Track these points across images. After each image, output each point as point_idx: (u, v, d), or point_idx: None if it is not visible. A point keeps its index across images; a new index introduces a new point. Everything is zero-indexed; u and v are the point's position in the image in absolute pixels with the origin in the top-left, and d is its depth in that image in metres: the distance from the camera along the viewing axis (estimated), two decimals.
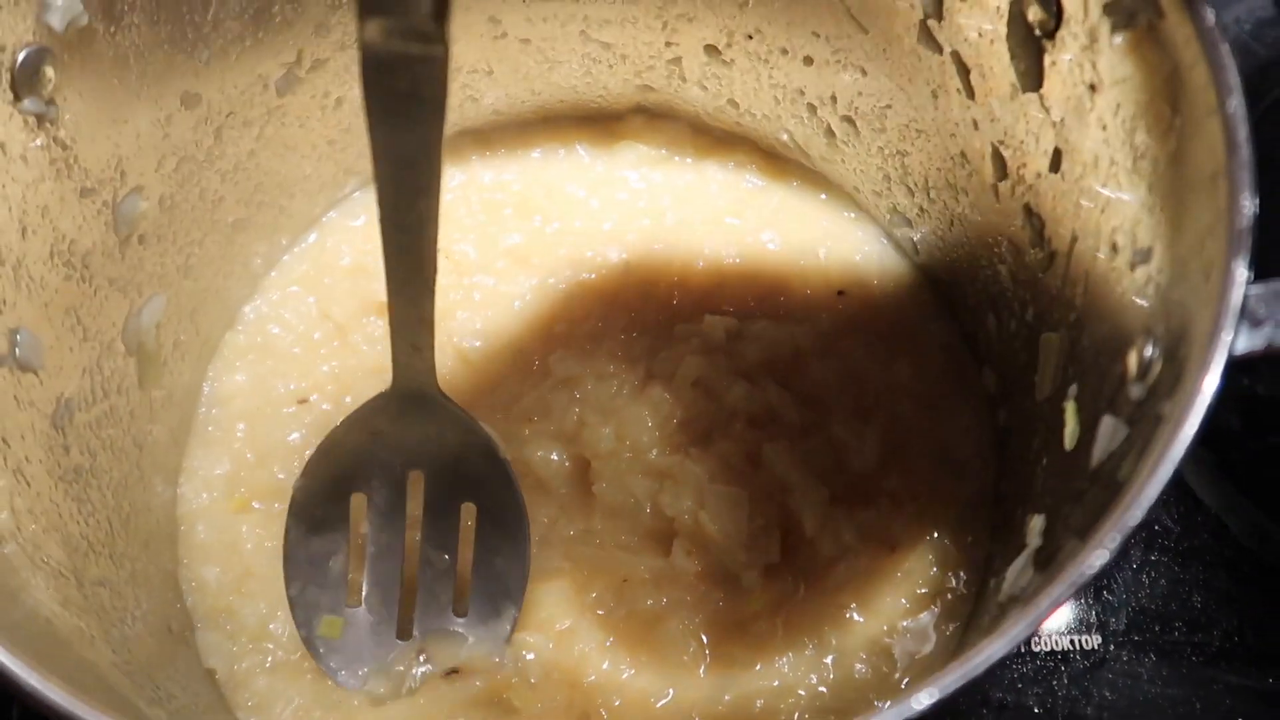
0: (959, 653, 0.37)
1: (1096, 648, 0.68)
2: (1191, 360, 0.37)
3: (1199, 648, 0.68)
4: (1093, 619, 0.69)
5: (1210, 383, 0.35)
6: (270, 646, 0.60)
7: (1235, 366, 0.37)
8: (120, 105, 0.54)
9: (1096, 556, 0.33)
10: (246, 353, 0.69)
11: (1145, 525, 0.72)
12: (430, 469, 0.58)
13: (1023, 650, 0.68)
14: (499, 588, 0.59)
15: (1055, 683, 0.67)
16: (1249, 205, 0.36)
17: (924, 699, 0.31)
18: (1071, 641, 0.68)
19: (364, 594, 0.59)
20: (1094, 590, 0.70)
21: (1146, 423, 0.39)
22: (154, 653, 0.54)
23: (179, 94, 0.57)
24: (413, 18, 0.35)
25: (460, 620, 0.59)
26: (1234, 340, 0.37)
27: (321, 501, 0.59)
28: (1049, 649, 0.68)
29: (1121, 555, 0.71)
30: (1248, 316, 0.37)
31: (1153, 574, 0.70)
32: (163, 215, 0.59)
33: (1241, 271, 0.36)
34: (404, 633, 0.59)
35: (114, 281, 0.57)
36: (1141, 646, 0.68)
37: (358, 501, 0.59)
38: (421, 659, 0.59)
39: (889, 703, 0.32)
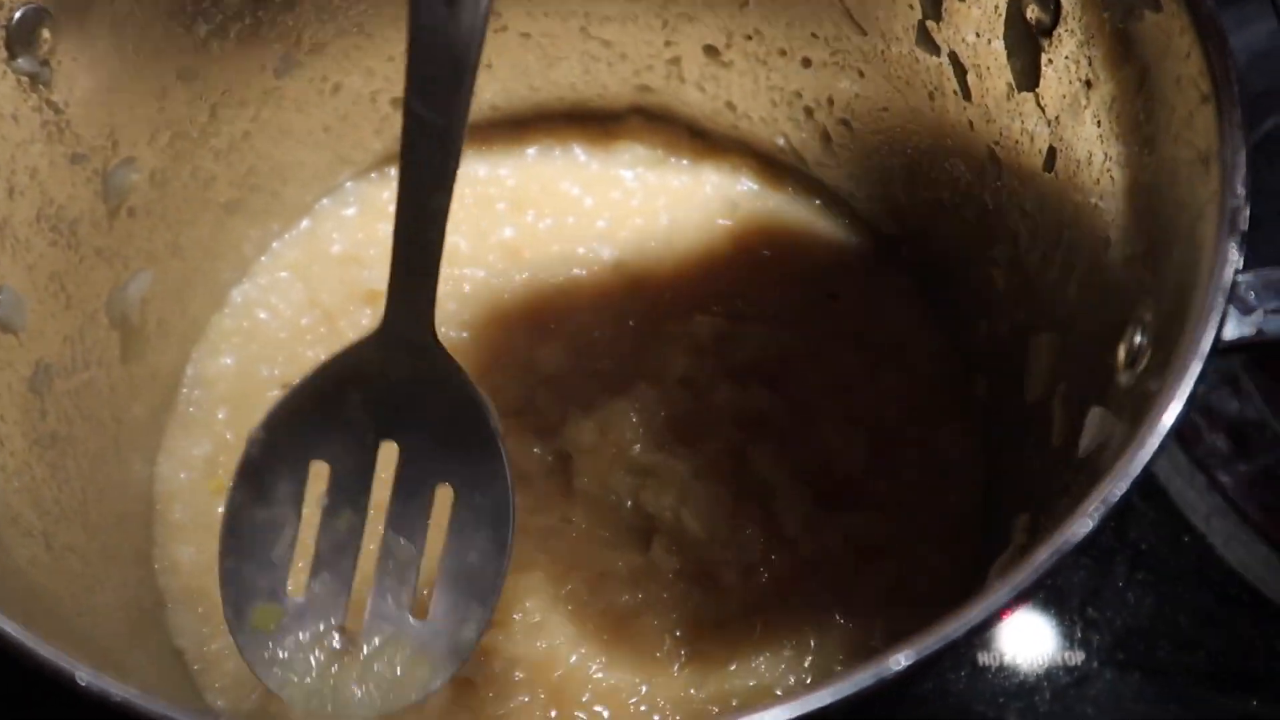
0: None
1: (1080, 664, 0.67)
2: (1181, 340, 0.36)
3: (1184, 668, 0.67)
4: (1077, 635, 0.68)
5: (1198, 357, 0.35)
6: None
7: (1224, 353, 0.37)
8: (116, 73, 0.53)
9: (1080, 525, 0.33)
10: (232, 336, 0.68)
11: (1132, 545, 0.72)
12: (406, 441, 0.50)
13: (1005, 665, 0.67)
14: (469, 588, 0.50)
15: (1038, 699, 0.66)
16: (1241, 186, 0.36)
17: (902, 660, 0.31)
18: (1055, 658, 0.67)
19: (309, 582, 0.50)
20: (1078, 607, 0.69)
21: (1133, 405, 0.39)
22: (122, 627, 0.53)
23: (176, 68, 0.57)
24: None
25: (418, 624, 0.50)
26: (1225, 326, 0.36)
27: (277, 464, 0.49)
28: (1032, 665, 0.67)
29: (1106, 572, 0.71)
30: (1238, 303, 0.37)
31: (1139, 593, 0.69)
32: (154, 190, 0.59)
33: (1233, 251, 0.36)
34: (351, 637, 0.50)
35: (100, 252, 0.56)
36: (1126, 665, 0.67)
37: (317, 470, 0.50)
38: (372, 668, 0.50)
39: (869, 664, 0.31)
